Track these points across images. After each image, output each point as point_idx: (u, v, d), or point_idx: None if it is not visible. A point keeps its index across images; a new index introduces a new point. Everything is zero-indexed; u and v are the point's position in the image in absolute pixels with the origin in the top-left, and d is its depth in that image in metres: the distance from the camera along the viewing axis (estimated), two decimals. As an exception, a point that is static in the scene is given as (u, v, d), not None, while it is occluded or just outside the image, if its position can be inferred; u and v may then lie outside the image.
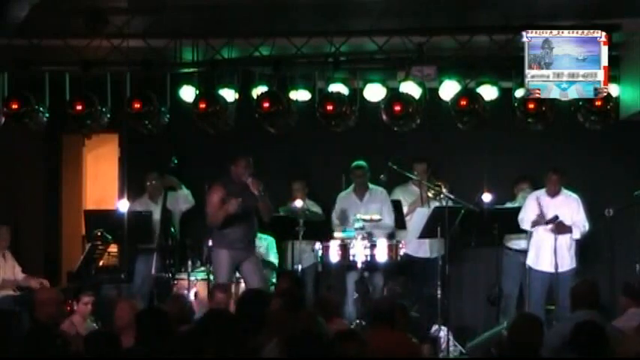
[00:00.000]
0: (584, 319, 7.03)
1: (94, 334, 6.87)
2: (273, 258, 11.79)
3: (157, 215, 11.86)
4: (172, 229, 11.94)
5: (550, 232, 10.91)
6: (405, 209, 11.82)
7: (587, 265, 11.25)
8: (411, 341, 7.71)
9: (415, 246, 11.64)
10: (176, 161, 11.79)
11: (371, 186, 11.74)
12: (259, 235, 11.57)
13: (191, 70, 11.55)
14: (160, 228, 11.78)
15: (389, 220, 11.61)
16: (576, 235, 11.04)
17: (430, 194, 11.72)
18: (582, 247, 11.22)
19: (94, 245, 11.45)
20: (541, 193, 11.21)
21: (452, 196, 11.35)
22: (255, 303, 7.46)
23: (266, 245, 11.78)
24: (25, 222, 12.91)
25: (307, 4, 10.50)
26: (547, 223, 10.93)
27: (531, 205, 11.13)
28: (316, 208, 11.89)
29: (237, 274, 10.82)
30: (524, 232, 11.29)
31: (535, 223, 11.02)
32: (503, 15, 10.62)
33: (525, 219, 11.12)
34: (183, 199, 12.21)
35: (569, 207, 11.10)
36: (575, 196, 11.17)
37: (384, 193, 11.70)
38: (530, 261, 11.15)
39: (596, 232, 11.25)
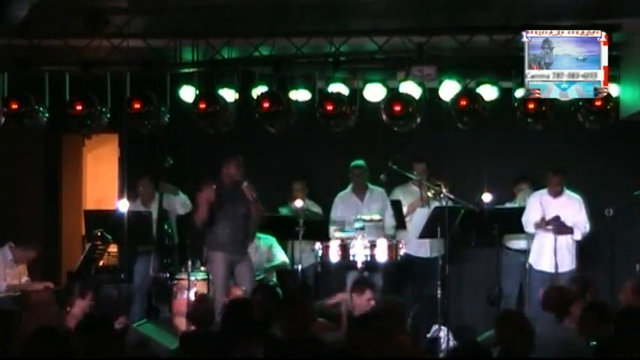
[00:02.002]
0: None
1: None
2: (282, 256, 11.73)
3: (153, 216, 11.86)
4: (169, 230, 11.93)
5: (551, 233, 10.92)
6: (404, 209, 11.82)
7: (587, 265, 11.24)
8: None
9: (415, 246, 11.64)
10: (171, 161, 11.77)
11: (370, 186, 11.74)
12: (259, 235, 11.57)
13: (191, 70, 11.55)
14: (156, 229, 11.79)
15: (391, 220, 11.63)
16: (577, 236, 11.03)
17: (430, 194, 11.72)
18: (582, 247, 11.22)
19: (94, 245, 11.45)
20: (543, 193, 11.20)
21: (452, 196, 11.35)
22: (240, 312, 7.47)
23: (269, 245, 11.72)
24: (25, 222, 12.90)
25: (307, 4, 10.49)
26: (547, 223, 10.93)
27: (534, 207, 11.12)
28: (316, 208, 11.88)
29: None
30: (524, 231, 11.29)
31: (538, 226, 11.02)
32: (503, 15, 10.62)
33: (529, 221, 11.11)
34: (180, 204, 12.19)
35: (572, 208, 11.10)
36: (577, 196, 11.17)
37: (383, 193, 11.70)
38: (532, 260, 11.15)
39: (596, 232, 11.25)
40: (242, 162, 10.61)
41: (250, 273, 10.64)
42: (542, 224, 10.96)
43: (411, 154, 11.93)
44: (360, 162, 11.78)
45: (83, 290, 9.81)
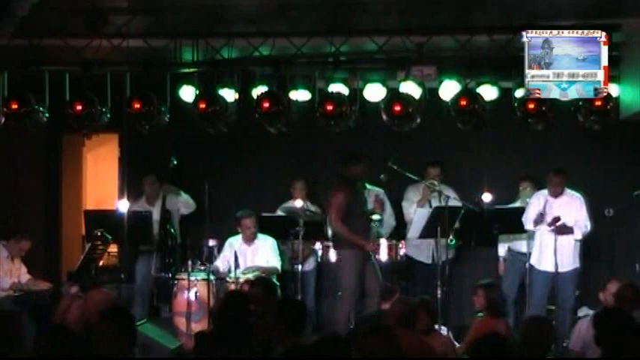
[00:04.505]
0: None
1: None
2: (277, 260, 11.67)
3: (155, 216, 11.87)
4: (172, 230, 11.94)
5: (551, 233, 10.90)
6: (414, 207, 11.78)
7: (587, 265, 11.23)
8: (426, 345, 7.65)
9: (417, 250, 11.64)
10: (175, 162, 11.79)
11: (369, 187, 11.72)
12: (259, 235, 11.55)
13: (191, 70, 11.55)
14: (158, 228, 11.80)
15: (390, 219, 11.61)
16: (577, 235, 11.01)
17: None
18: (583, 246, 11.20)
19: (94, 245, 11.44)
20: (545, 193, 11.17)
21: (451, 196, 11.35)
22: (238, 306, 7.45)
23: (269, 246, 11.67)
24: (25, 222, 12.90)
25: (307, 4, 10.50)
26: (549, 224, 10.91)
27: (534, 206, 11.10)
28: (314, 208, 11.86)
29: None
30: (525, 231, 11.28)
31: (537, 223, 11.01)
32: (503, 15, 10.62)
33: (528, 219, 11.11)
34: (183, 204, 12.21)
35: (573, 207, 11.07)
36: (578, 195, 11.14)
37: (381, 193, 11.69)
38: (534, 261, 11.12)
39: (597, 232, 11.24)
40: (370, 162, 10.61)
41: (376, 271, 10.51)
42: (540, 219, 10.93)
43: (410, 154, 11.92)
44: (359, 164, 11.80)
45: (67, 288, 9.80)
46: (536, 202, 11.11)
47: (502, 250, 11.69)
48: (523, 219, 11.12)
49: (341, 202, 10.35)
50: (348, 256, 10.37)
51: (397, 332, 6.65)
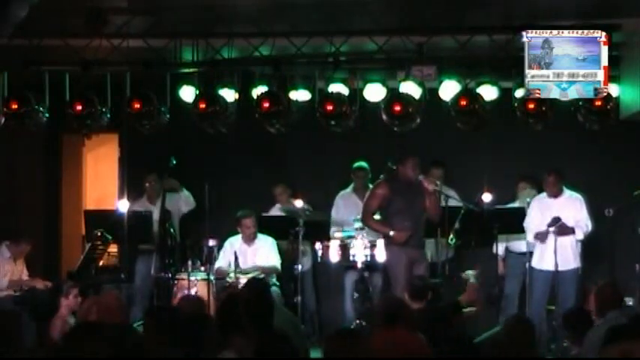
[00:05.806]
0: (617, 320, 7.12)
1: None
2: (277, 259, 11.67)
3: (156, 216, 11.86)
4: (172, 230, 11.93)
5: (552, 233, 10.88)
6: None
7: (587, 265, 11.22)
8: (417, 342, 7.64)
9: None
10: (175, 162, 11.78)
11: (371, 186, 11.73)
12: (259, 235, 11.56)
13: (191, 70, 11.55)
14: (158, 228, 11.79)
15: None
16: (579, 235, 10.99)
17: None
18: (583, 247, 11.20)
19: (94, 245, 11.45)
20: (543, 196, 11.15)
21: (450, 196, 11.34)
22: (235, 306, 7.44)
23: (269, 246, 11.66)
24: (25, 222, 12.90)
25: (307, 4, 10.50)
26: (549, 226, 10.88)
27: (534, 212, 11.06)
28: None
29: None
30: (524, 231, 11.27)
31: (537, 237, 10.96)
32: (503, 15, 10.62)
33: (530, 228, 11.07)
34: (184, 201, 12.22)
35: (572, 207, 11.05)
36: (577, 195, 11.13)
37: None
38: (535, 261, 11.10)
39: (597, 232, 11.23)
40: (419, 163, 10.64)
41: (427, 272, 10.55)
42: (544, 237, 10.90)
43: (410, 154, 11.83)
44: (363, 163, 11.84)
45: (67, 289, 9.82)
46: (535, 208, 11.07)
47: (500, 249, 11.68)
48: (525, 225, 11.09)
49: (378, 197, 10.57)
50: (396, 255, 10.44)
51: (382, 329, 6.66)
